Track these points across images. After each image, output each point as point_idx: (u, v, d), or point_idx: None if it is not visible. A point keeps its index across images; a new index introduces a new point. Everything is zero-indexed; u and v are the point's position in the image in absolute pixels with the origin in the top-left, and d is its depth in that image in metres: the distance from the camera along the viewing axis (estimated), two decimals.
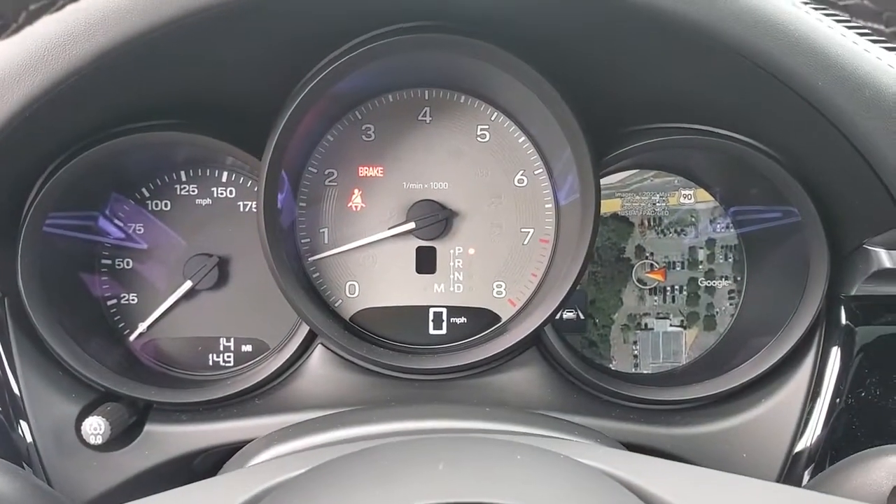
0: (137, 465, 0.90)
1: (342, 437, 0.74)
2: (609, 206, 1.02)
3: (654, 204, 1.02)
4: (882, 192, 0.76)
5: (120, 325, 1.01)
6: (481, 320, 0.99)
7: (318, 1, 0.77)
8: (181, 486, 0.57)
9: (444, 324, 1.00)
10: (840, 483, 0.69)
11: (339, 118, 0.97)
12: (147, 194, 1.01)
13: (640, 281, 1.02)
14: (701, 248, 1.02)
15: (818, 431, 0.88)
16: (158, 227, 1.00)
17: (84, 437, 0.87)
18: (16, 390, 0.89)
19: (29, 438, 0.89)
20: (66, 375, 0.91)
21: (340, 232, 0.98)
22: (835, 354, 0.89)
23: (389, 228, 0.97)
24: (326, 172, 0.98)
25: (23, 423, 0.89)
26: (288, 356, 0.94)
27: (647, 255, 1.02)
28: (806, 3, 0.72)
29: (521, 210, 0.98)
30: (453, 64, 0.89)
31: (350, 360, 0.96)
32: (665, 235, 1.02)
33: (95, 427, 0.86)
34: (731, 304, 1.02)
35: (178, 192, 1.01)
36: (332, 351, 0.96)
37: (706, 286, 1.03)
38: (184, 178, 1.01)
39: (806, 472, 0.88)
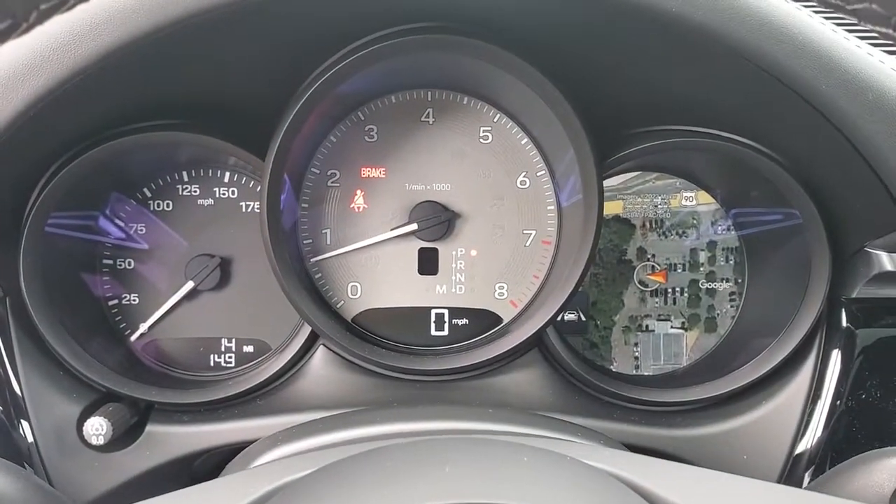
0: (139, 465, 0.90)
1: (346, 439, 0.74)
2: (611, 208, 1.02)
3: (656, 206, 1.03)
4: (883, 195, 0.76)
5: (121, 326, 1.01)
6: (483, 321, 0.99)
7: (321, 3, 0.77)
8: (182, 486, 0.57)
9: (447, 325, 1.00)
10: (841, 485, 0.69)
11: (341, 119, 0.97)
12: (149, 194, 1.01)
13: (641, 283, 1.02)
14: (702, 250, 1.03)
15: (819, 433, 0.88)
16: (160, 228, 1.00)
17: (86, 437, 0.87)
18: (17, 390, 0.89)
19: (30, 438, 0.89)
20: (68, 375, 0.91)
21: (343, 233, 0.98)
22: (835, 357, 0.89)
23: (392, 230, 0.97)
24: (329, 173, 0.98)
25: (24, 423, 0.89)
26: (290, 357, 0.95)
27: (649, 256, 1.03)
28: (809, 7, 0.73)
29: (524, 212, 0.98)
30: (456, 65, 0.89)
31: (352, 360, 0.96)
32: (667, 237, 1.03)
33: (97, 427, 0.86)
34: (731, 307, 1.02)
35: (180, 193, 1.01)
36: (333, 352, 0.96)
37: (707, 288, 1.03)
38: (186, 179, 1.01)
39: (806, 474, 0.88)
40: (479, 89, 0.96)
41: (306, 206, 0.98)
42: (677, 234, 1.02)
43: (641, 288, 1.03)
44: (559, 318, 1.02)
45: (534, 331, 0.92)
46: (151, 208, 1.01)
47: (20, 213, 0.87)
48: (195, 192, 1.01)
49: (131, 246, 1.00)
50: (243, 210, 1.00)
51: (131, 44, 0.68)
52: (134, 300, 1.01)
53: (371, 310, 0.99)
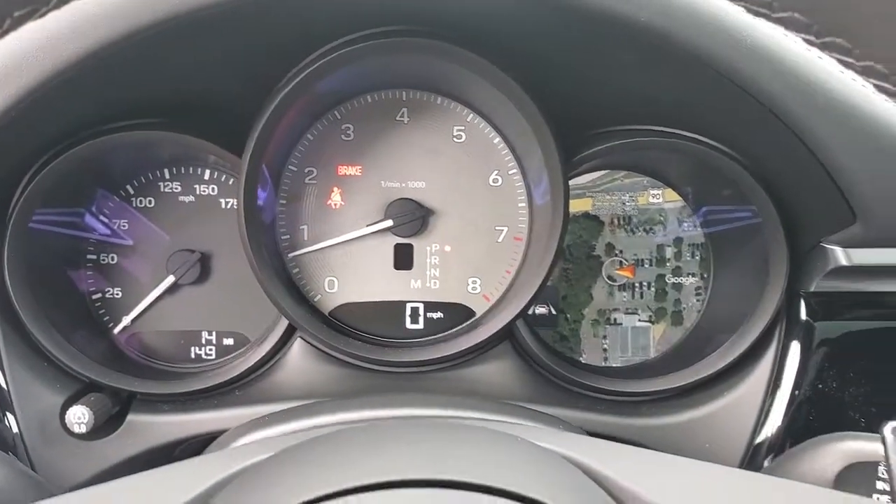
0: (120, 453, 0.93)
1: (315, 425, 0.77)
2: (580, 206, 1.05)
3: (624, 203, 1.06)
4: (836, 194, 0.79)
5: (105, 319, 1.04)
6: (457, 315, 1.02)
7: (298, 4, 0.80)
8: None
9: (421, 318, 1.03)
10: (792, 468, 0.72)
11: (318, 118, 1.00)
12: (132, 191, 1.03)
13: (609, 278, 1.06)
14: (669, 246, 1.06)
15: (778, 423, 0.92)
16: (142, 224, 1.03)
17: (68, 425, 0.90)
18: (2, 382, 0.92)
19: (15, 428, 0.92)
20: (52, 366, 0.94)
21: (320, 229, 1.01)
22: (795, 349, 0.92)
23: (368, 226, 1.00)
24: (306, 171, 1.01)
25: (9, 414, 0.92)
26: (268, 349, 0.97)
27: (617, 252, 1.06)
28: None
29: (496, 209, 1.01)
30: (429, 66, 0.92)
31: (329, 353, 0.99)
32: (634, 234, 1.06)
33: (79, 416, 0.89)
34: (697, 301, 1.06)
35: (162, 190, 1.03)
36: (311, 344, 0.99)
37: (673, 283, 1.06)
38: (167, 176, 1.03)
39: (766, 462, 0.91)
40: (452, 90, 0.99)
41: (284, 202, 1.01)
42: (644, 230, 1.06)
43: (610, 282, 1.06)
44: (530, 312, 1.05)
45: (504, 323, 0.95)
46: (134, 205, 1.04)
47: (5, 209, 0.90)
48: (177, 189, 1.04)
49: (114, 241, 1.03)
50: (223, 206, 1.03)
51: (111, 46, 0.71)
52: (117, 294, 1.04)
53: (348, 304, 1.02)
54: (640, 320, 1.07)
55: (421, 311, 1.03)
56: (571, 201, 1.02)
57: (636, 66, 0.84)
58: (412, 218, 1.00)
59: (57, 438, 0.91)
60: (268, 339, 0.99)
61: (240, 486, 0.51)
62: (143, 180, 1.04)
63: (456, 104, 1.00)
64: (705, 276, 1.06)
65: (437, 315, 1.03)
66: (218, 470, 0.53)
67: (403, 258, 1.02)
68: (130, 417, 0.95)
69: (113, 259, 1.04)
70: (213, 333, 1.05)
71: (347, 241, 1.01)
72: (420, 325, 1.03)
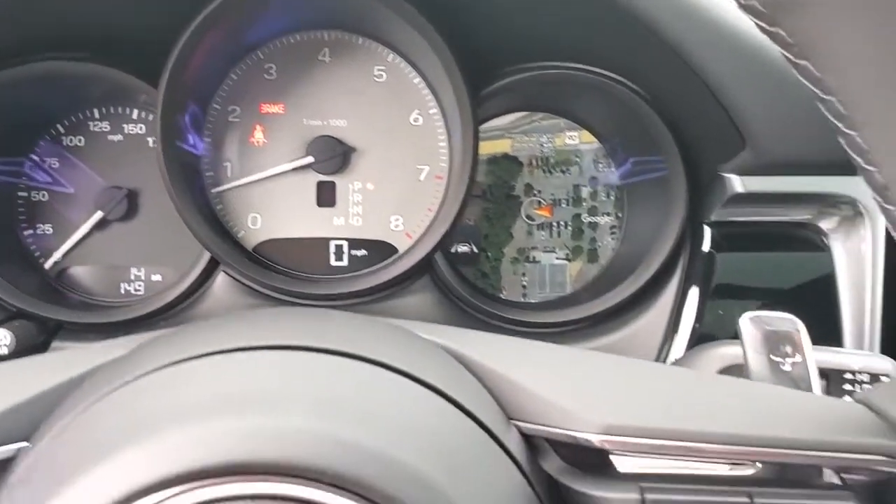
0: None
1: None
2: (499, 147, 1.09)
3: (542, 145, 1.09)
4: (727, 120, 0.83)
5: (36, 254, 1.06)
6: (380, 252, 1.05)
7: None
8: None
9: (345, 255, 1.06)
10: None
11: (241, 58, 1.03)
12: (62, 130, 1.06)
13: (528, 217, 1.09)
14: (585, 186, 1.09)
15: (682, 348, 0.96)
16: (72, 162, 1.06)
17: None
18: None
19: None
20: None
21: (243, 165, 1.04)
22: (696, 278, 0.96)
23: (290, 162, 1.03)
24: (230, 109, 1.04)
25: None
26: (190, 282, 1.00)
27: (535, 192, 1.09)
28: None
29: (417, 148, 1.04)
30: (347, 6, 0.95)
31: (252, 287, 1.02)
32: (552, 174, 1.09)
33: (1, 338, 0.92)
34: (612, 239, 1.09)
35: (91, 129, 1.06)
36: (234, 278, 1.02)
37: (589, 222, 1.10)
38: (97, 115, 1.06)
39: None
40: (372, 30, 1.02)
41: (208, 140, 1.04)
42: (562, 171, 1.09)
43: (529, 222, 1.09)
44: (453, 251, 1.09)
45: (422, 256, 0.98)
46: (64, 144, 1.06)
47: None
48: (106, 128, 1.06)
49: (45, 180, 1.05)
50: (150, 145, 1.06)
51: None
52: (48, 230, 1.07)
53: (272, 240, 1.05)
54: (557, 258, 1.11)
55: (345, 249, 1.06)
56: (491, 143, 1.06)
57: (544, 4, 0.88)
58: (333, 155, 1.03)
59: None
60: (191, 273, 1.02)
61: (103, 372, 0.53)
62: (73, 120, 1.06)
63: (377, 45, 1.03)
64: (620, 215, 1.09)
65: (361, 252, 1.06)
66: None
67: (326, 196, 1.05)
68: (54, 345, 0.97)
69: (44, 196, 1.06)
70: (142, 269, 1.07)
71: (270, 177, 1.04)
72: (344, 263, 1.06)
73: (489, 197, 1.10)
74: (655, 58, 0.86)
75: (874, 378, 0.72)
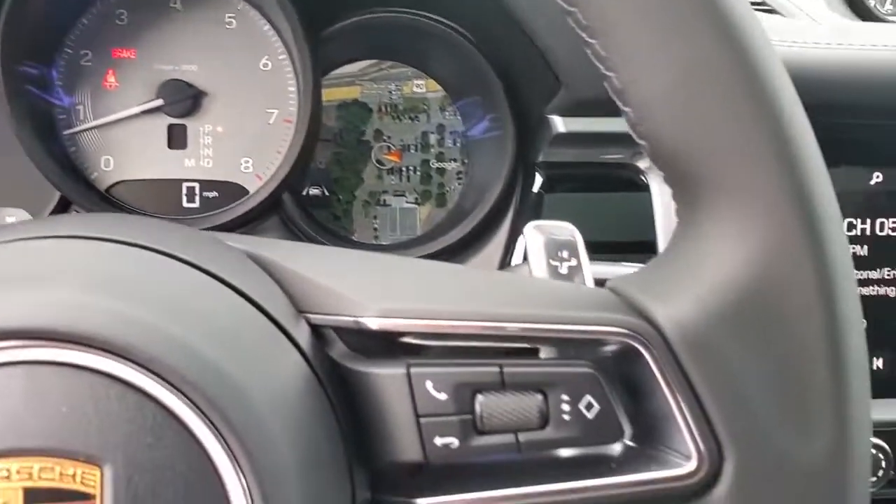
0: None
1: None
2: (349, 93, 1.14)
3: (391, 92, 1.15)
4: (546, 65, 0.90)
5: None
6: (231, 194, 1.09)
7: None
8: None
9: (197, 197, 1.09)
10: None
11: (93, 3, 1.05)
12: None
13: (378, 162, 1.14)
14: (432, 133, 1.15)
15: None
16: None
17: None
18: None
19: None
20: None
21: (95, 108, 1.07)
22: (527, 216, 1.03)
23: (140, 104, 1.06)
24: (82, 53, 1.06)
25: None
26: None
27: (385, 138, 1.14)
28: None
29: (267, 92, 1.08)
30: None
31: None
32: (401, 121, 1.15)
33: None
34: (458, 184, 1.15)
35: None
36: None
37: (437, 167, 1.16)
38: None
39: None
40: None
41: (60, 83, 1.06)
42: (410, 118, 1.14)
43: (379, 167, 1.15)
44: (304, 193, 1.13)
45: (268, 194, 1.03)
46: None
47: None
48: None
49: None
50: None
51: None
52: None
53: (125, 181, 1.08)
54: (407, 202, 1.16)
55: (197, 191, 1.09)
56: (340, 89, 1.10)
57: None
58: (182, 97, 1.06)
59: None
60: (42, 213, 1.04)
61: None
62: None
63: None
64: (466, 161, 1.15)
65: (213, 194, 1.10)
66: None
67: (177, 138, 1.08)
68: None
69: None
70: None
71: (122, 120, 1.07)
72: (196, 204, 1.10)
73: (340, 142, 1.15)
74: (482, 4, 0.91)
75: None
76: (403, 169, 1.16)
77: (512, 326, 0.53)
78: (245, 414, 0.47)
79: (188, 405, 0.45)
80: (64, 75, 1.05)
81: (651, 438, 0.54)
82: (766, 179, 0.50)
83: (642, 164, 0.99)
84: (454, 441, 0.53)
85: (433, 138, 1.15)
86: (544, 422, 0.52)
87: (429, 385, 0.53)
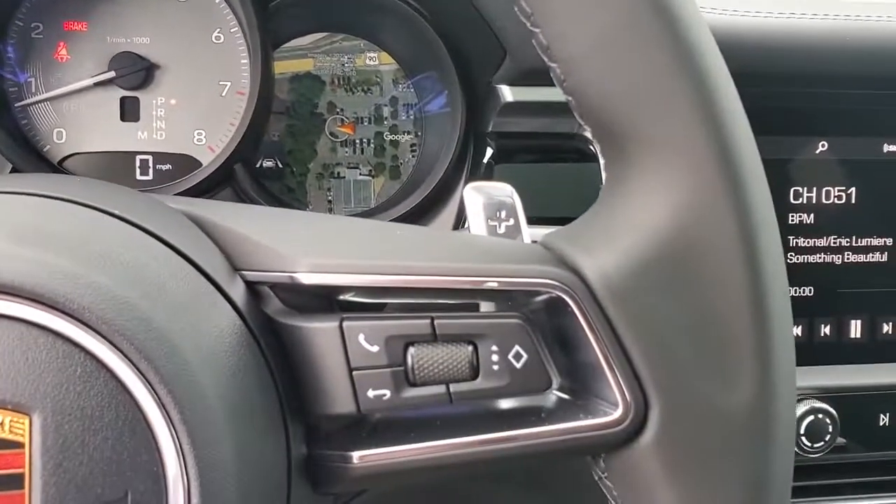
0: None
1: None
2: (302, 66, 1.14)
3: (343, 65, 1.15)
4: (491, 34, 0.90)
5: None
6: (184, 166, 1.09)
7: None
8: None
9: (151, 170, 1.10)
10: None
11: None
12: None
13: (332, 134, 1.15)
14: (385, 105, 1.16)
15: None
16: None
17: None
18: None
19: None
20: None
21: (46, 81, 1.06)
22: None
23: (92, 77, 1.06)
24: (33, 25, 1.06)
25: None
26: None
27: (338, 110, 1.15)
28: None
29: (219, 65, 1.08)
30: None
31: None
32: (354, 93, 1.15)
33: None
34: (412, 156, 1.16)
35: None
36: None
37: (391, 140, 1.16)
38: None
39: None
40: None
41: (11, 56, 1.05)
42: (363, 90, 1.15)
43: (332, 139, 1.15)
44: (258, 165, 1.14)
45: (219, 165, 1.03)
46: None
47: None
48: None
49: None
50: None
51: None
52: None
53: (77, 154, 1.08)
54: (361, 174, 1.17)
55: (150, 163, 1.10)
56: (293, 62, 1.10)
57: None
58: (135, 70, 1.06)
59: None
60: None
61: None
62: None
63: None
64: (419, 133, 1.16)
65: (166, 167, 1.10)
66: None
67: (130, 111, 1.08)
68: None
69: None
70: None
71: (74, 92, 1.06)
72: (149, 177, 1.10)
73: (293, 114, 1.15)
74: None
75: None
76: (357, 141, 1.16)
77: (441, 279, 0.54)
78: (175, 364, 0.47)
79: (117, 354, 0.46)
80: (14, 48, 1.04)
81: (580, 388, 0.56)
82: (688, 133, 0.51)
83: (590, 133, 1.00)
84: (386, 393, 0.54)
85: (386, 111, 1.16)
86: (475, 373, 0.54)
87: (361, 338, 0.54)
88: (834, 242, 1.10)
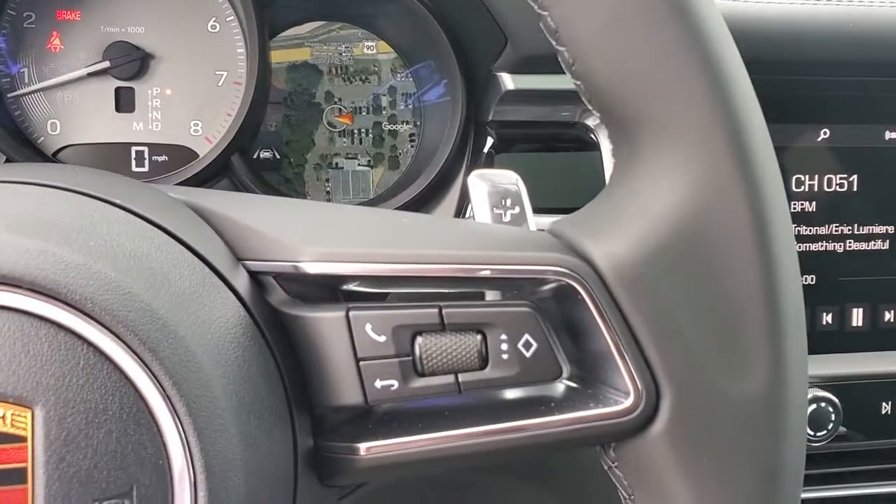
0: None
1: None
2: (299, 55, 1.13)
3: (341, 54, 1.14)
4: (492, 20, 0.89)
5: None
6: (180, 157, 1.08)
7: None
8: None
9: (147, 161, 1.08)
10: None
11: None
12: None
13: (330, 124, 1.14)
14: (384, 95, 1.14)
15: None
16: None
17: None
18: None
19: None
20: None
21: (40, 71, 1.05)
22: None
23: (86, 67, 1.04)
24: (25, 15, 1.04)
25: None
26: None
27: (336, 100, 1.14)
28: None
29: (215, 54, 1.07)
30: None
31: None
32: (351, 83, 1.14)
33: None
34: (411, 146, 1.15)
35: None
36: None
37: (389, 130, 1.15)
38: None
39: None
40: None
41: (3, 46, 1.04)
42: (361, 80, 1.14)
43: (330, 129, 1.14)
44: (255, 156, 1.13)
45: (216, 156, 1.02)
46: None
47: None
48: None
49: None
50: None
51: None
52: None
53: (72, 146, 1.07)
54: (360, 165, 1.16)
55: (146, 155, 1.08)
56: (290, 51, 1.09)
57: None
58: (129, 59, 1.05)
59: None
60: None
61: None
62: None
63: None
64: (418, 123, 1.15)
65: (162, 158, 1.09)
66: None
67: (125, 101, 1.07)
68: None
69: None
70: None
71: (68, 83, 1.05)
72: (145, 168, 1.09)
73: (290, 104, 1.14)
74: None
75: None
76: (355, 131, 1.15)
77: (450, 268, 0.53)
78: (179, 355, 0.46)
79: (121, 345, 0.45)
80: (6, 38, 1.03)
81: (590, 377, 0.55)
82: (700, 117, 0.50)
83: (591, 121, 0.99)
84: (394, 383, 0.53)
85: (385, 100, 1.15)
86: (483, 362, 0.53)
87: (368, 328, 0.53)
88: (836, 230, 1.09)
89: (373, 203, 1.10)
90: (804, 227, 1.07)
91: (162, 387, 0.45)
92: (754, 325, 0.51)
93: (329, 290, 0.58)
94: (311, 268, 0.54)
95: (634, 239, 0.51)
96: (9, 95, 1.04)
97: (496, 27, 0.90)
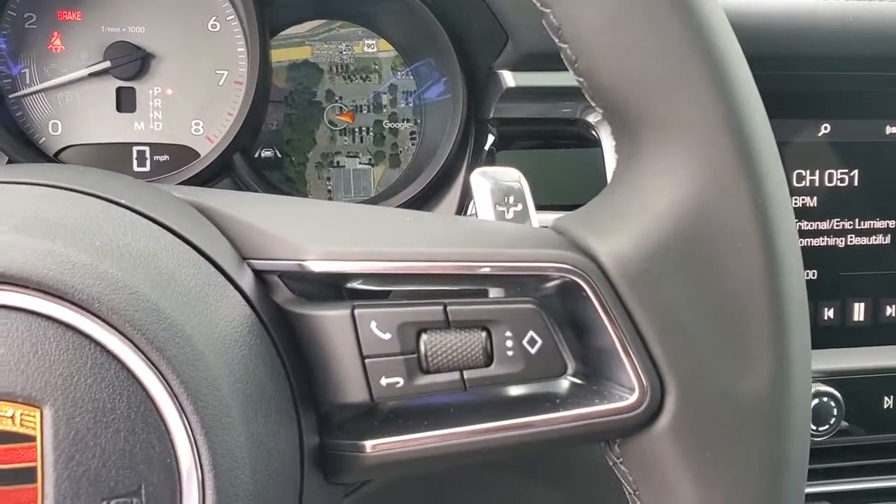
0: None
1: None
2: (299, 54, 1.13)
3: (342, 52, 1.14)
4: (493, 17, 0.90)
5: None
6: (182, 157, 1.08)
7: None
8: None
9: (148, 161, 1.08)
10: None
11: None
12: None
13: (331, 123, 1.14)
14: (384, 93, 1.15)
15: None
16: None
17: None
18: None
19: None
20: None
21: (41, 72, 1.05)
22: None
23: (87, 67, 1.04)
24: (25, 16, 1.04)
25: None
26: None
27: (337, 98, 1.14)
28: None
29: (216, 54, 1.07)
30: None
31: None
32: (352, 81, 1.14)
33: None
34: (412, 144, 1.15)
35: None
36: None
37: (390, 128, 1.15)
38: None
39: None
40: None
41: (3, 47, 1.04)
42: (361, 78, 1.14)
43: (331, 127, 1.14)
44: (257, 155, 1.13)
45: (218, 156, 1.02)
46: None
47: None
48: None
49: None
50: None
51: None
52: None
53: (74, 146, 1.07)
54: (361, 163, 1.16)
55: (147, 154, 1.08)
56: (290, 49, 1.09)
57: None
58: (130, 59, 1.05)
59: None
60: None
61: None
62: None
63: None
64: (419, 121, 1.15)
65: (164, 158, 1.09)
66: None
67: (126, 101, 1.07)
68: None
69: None
70: None
71: (69, 83, 1.05)
72: (147, 168, 1.09)
73: (291, 103, 1.14)
74: None
75: None
76: (356, 130, 1.15)
77: (452, 265, 0.53)
78: (186, 354, 0.47)
79: (128, 344, 0.45)
80: (7, 38, 1.03)
81: (595, 373, 0.55)
82: (703, 113, 0.51)
83: (592, 118, 1.00)
84: (399, 381, 0.53)
85: (385, 98, 1.15)
86: (489, 359, 0.53)
87: (373, 325, 0.53)
88: (837, 225, 1.09)
89: (374, 201, 1.11)
90: (805, 223, 1.07)
91: (169, 385, 0.46)
92: (758, 322, 0.51)
93: (334, 288, 0.58)
94: (316, 266, 0.54)
95: (638, 235, 0.51)
96: (10, 96, 1.05)
97: (497, 24, 0.91)
